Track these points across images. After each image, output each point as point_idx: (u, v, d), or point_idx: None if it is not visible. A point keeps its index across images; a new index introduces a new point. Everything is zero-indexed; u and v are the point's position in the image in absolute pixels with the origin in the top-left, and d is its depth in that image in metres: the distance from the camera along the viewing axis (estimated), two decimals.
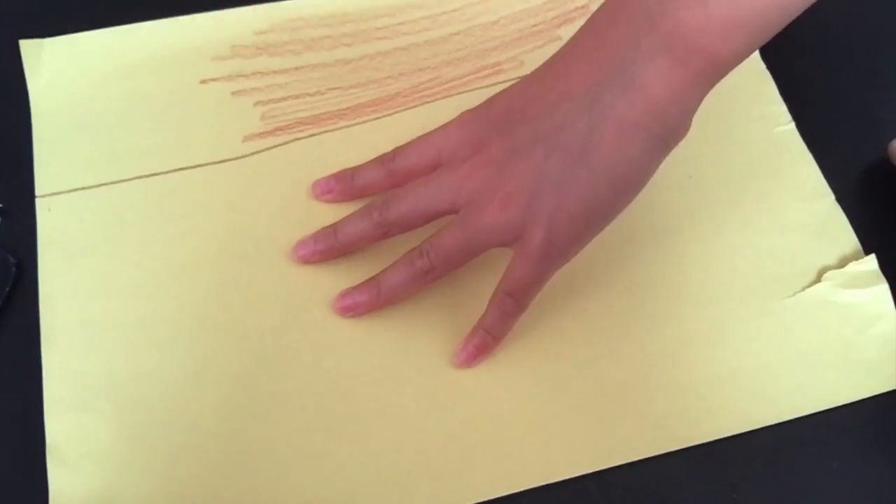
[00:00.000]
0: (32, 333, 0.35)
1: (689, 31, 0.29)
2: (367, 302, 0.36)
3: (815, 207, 0.39)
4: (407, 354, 0.36)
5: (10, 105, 0.40)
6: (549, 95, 0.32)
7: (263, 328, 0.36)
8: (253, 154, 0.40)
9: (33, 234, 0.37)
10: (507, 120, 0.33)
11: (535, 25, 0.43)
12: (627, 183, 0.31)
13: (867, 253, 0.37)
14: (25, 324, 0.36)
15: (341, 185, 0.38)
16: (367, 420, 0.34)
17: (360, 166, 0.38)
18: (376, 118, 0.41)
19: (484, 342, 0.35)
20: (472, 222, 0.33)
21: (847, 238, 0.38)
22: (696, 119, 0.39)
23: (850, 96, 0.42)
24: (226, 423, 0.34)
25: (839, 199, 0.39)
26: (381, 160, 0.37)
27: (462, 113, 0.35)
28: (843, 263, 0.37)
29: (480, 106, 0.35)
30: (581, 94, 0.31)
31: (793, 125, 0.40)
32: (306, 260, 0.37)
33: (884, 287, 0.37)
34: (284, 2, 0.43)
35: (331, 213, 0.38)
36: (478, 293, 0.35)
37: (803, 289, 0.37)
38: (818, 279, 0.37)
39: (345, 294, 0.36)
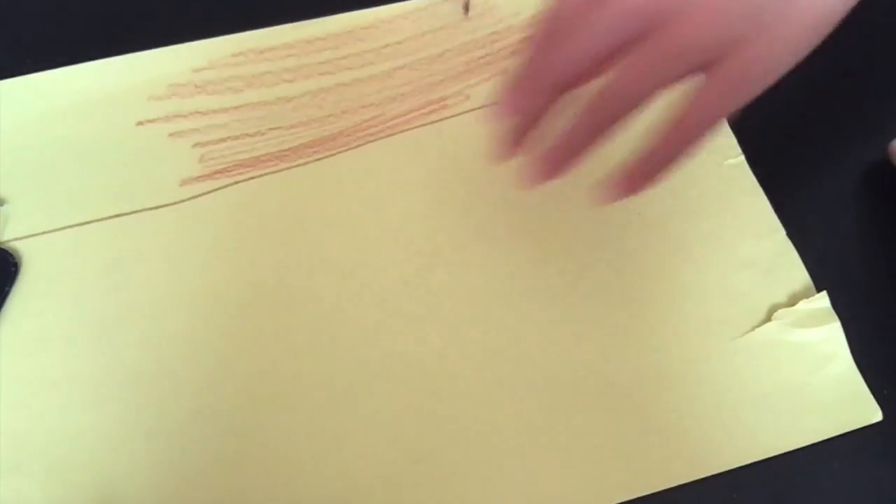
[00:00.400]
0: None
1: None
2: (552, 159, 0.30)
3: (765, 243, 0.38)
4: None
5: None
6: None
7: (198, 383, 0.35)
8: (190, 199, 0.38)
9: None
10: None
11: (481, 58, 0.42)
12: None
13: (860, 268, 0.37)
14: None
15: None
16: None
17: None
18: (318, 159, 0.39)
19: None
20: (679, 34, 0.27)
21: (798, 275, 0.37)
22: None
23: (849, 96, 0.41)
24: (160, 485, 0.33)
25: (841, 200, 0.38)
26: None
27: None
28: (793, 301, 0.36)
29: None
30: None
31: (742, 158, 0.40)
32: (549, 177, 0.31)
33: (836, 326, 0.36)
34: (222, 37, 0.42)
35: (272, 264, 0.37)
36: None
37: (753, 328, 0.36)
38: (768, 318, 0.36)
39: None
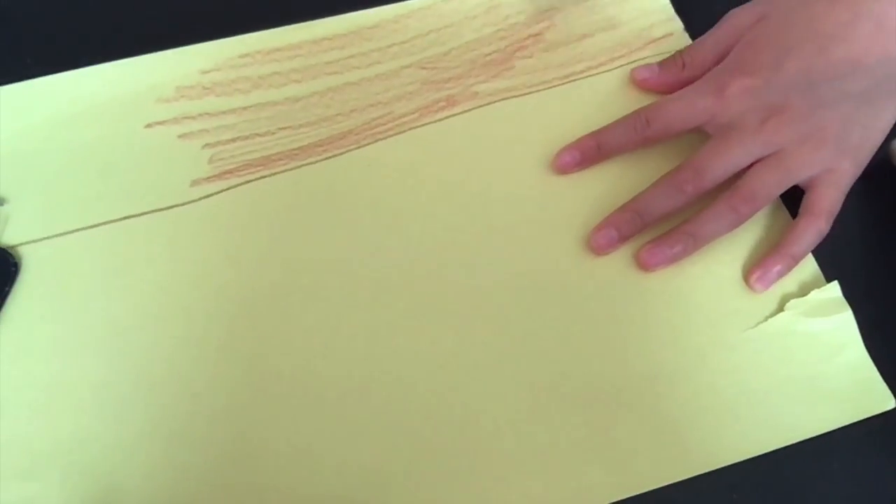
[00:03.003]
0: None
1: None
2: (682, 249, 0.37)
3: (775, 235, 0.38)
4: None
5: None
6: (864, 57, 0.36)
7: (215, 386, 0.35)
8: (201, 199, 0.39)
9: None
10: (809, 81, 0.36)
11: (487, 55, 0.42)
12: None
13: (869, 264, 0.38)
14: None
15: (586, 154, 0.39)
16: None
17: (604, 132, 0.39)
18: (328, 157, 0.40)
19: (787, 264, 0.37)
20: (787, 163, 0.36)
21: (808, 264, 0.37)
22: (658, 149, 0.39)
23: None
24: (177, 489, 0.33)
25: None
26: (633, 125, 0.38)
27: (724, 78, 0.37)
28: (804, 291, 0.37)
29: (757, 71, 0.37)
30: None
31: None
32: (611, 247, 0.37)
33: (848, 315, 0.36)
34: (229, 38, 0.42)
35: (282, 263, 0.37)
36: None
37: (766, 319, 0.36)
38: (780, 309, 0.36)
39: (650, 246, 0.37)
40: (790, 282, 0.37)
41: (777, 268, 0.36)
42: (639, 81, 0.41)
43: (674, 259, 0.37)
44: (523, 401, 0.34)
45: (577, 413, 0.34)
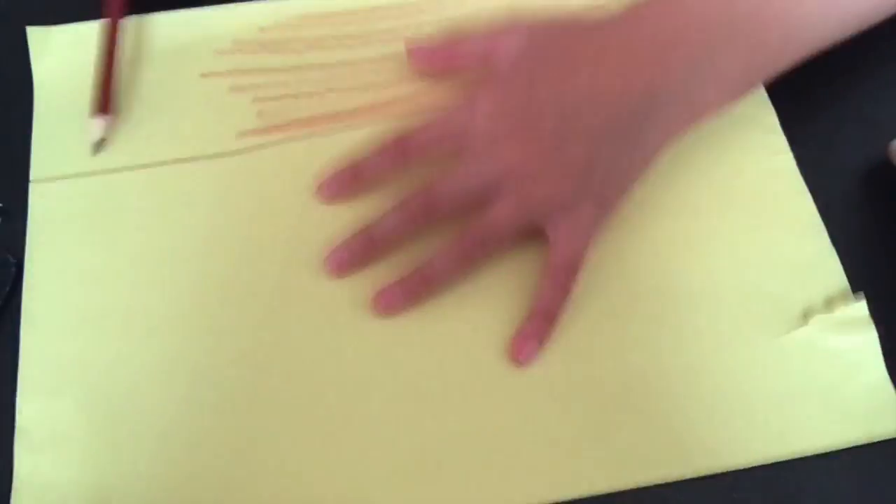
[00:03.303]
0: None
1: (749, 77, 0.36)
2: (412, 292, 0.35)
3: (806, 244, 0.37)
4: (411, 359, 0.35)
5: (12, 104, 0.41)
6: (606, 91, 0.34)
7: (243, 325, 0.36)
8: (246, 151, 0.40)
9: None
10: (557, 109, 0.34)
11: None
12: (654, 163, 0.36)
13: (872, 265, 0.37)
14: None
15: (345, 184, 0.38)
16: (335, 423, 0.34)
17: (361, 160, 0.37)
18: (373, 123, 0.40)
19: (543, 327, 0.35)
20: (525, 200, 0.35)
21: (837, 279, 0.37)
22: (693, 144, 0.38)
23: (849, 96, 0.41)
24: (196, 421, 0.34)
25: (841, 200, 0.38)
26: (385, 147, 0.37)
27: (478, 95, 0.36)
28: (831, 305, 0.36)
29: (510, 91, 0.35)
30: (640, 97, 0.34)
31: (790, 156, 0.39)
32: (341, 270, 0.36)
33: (872, 335, 0.35)
34: (288, 0, 0.43)
35: (323, 212, 0.38)
36: (483, 296, 0.36)
37: (790, 329, 0.36)
38: (805, 321, 0.36)
39: (383, 290, 0.36)
40: (817, 294, 0.36)
41: (532, 328, 0.35)
42: (411, 51, 0.41)
43: (406, 304, 0.35)
44: (530, 397, 0.35)
45: (585, 400, 0.34)
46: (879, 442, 0.34)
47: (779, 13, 0.35)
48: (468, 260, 0.35)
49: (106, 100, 0.40)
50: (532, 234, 0.36)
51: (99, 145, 0.39)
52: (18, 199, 0.38)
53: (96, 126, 0.39)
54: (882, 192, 0.39)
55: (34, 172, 0.39)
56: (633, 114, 0.34)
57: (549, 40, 0.36)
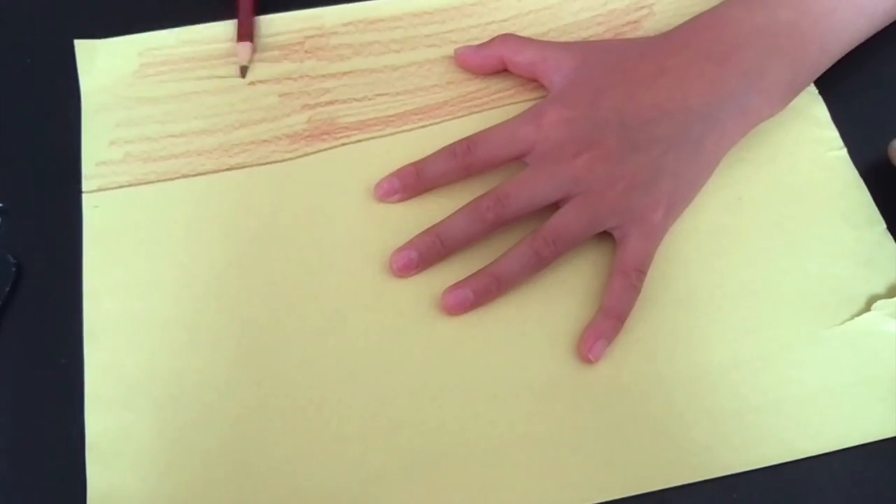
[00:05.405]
0: (33, 333, 0.36)
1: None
2: (482, 291, 0.36)
3: (865, 235, 0.38)
4: (458, 366, 0.35)
5: (11, 104, 0.41)
6: (667, 104, 0.37)
7: (305, 332, 0.36)
8: (298, 157, 0.40)
9: (33, 234, 0.38)
10: (621, 121, 0.37)
11: (584, 39, 0.43)
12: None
13: None
14: (26, 323, 0.36)
15: (406, 182, 0.38)
16: (406, 430, 0.34)
17: (425, 160, 0.38)
18: (422, 126, 0.40)
19: (613, 326, 0.35)
20: (595, 205, 0.36)
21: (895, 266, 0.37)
22: (748, 140, 0.39)
23: (850, 96, 0.41)
24: (265, 427, 0.34)
25: None
26: (453, 151, 0.38)
27: (544, 108, 0.38)
28: (892, 293, 0.37)
29: (574, 105, 0.37)
30: (699, 108, 0.37)
31: (844, 151, 0.40)
32: (408, 270, 0.36)
33: None
34: (333, 7, 0.43)
35: (379, 218, 0.38)
36: (544, 297, 0.36)
37: (852, 318, 0.36)
38: (867, 308, 0.36)
39: (453, 289, 0.36)
40: (878, 283, 0.37)
41: (603, 336, 0.35)
42: (458, 55, 0.41)
43: (475, 303, 0.36)
44: (593, 379, 0.35)
45: (653, 394, 0.35)
46: (881, 446, 0.34)
47: (817, 22, 0.38)
48: (539, 260, 0.36)
49: (250, 29, 0.42)
50: (599, 234, 0.37)
51: (245, 70, 0.41)
52: (18, 198, 0.38)
53: (242, 51, 0.41)
54: (882, 191, 0.39)
55: (87, 185, 0.38)
56: (692, 125, 0.37)
57: (604, 60, 0.39)
